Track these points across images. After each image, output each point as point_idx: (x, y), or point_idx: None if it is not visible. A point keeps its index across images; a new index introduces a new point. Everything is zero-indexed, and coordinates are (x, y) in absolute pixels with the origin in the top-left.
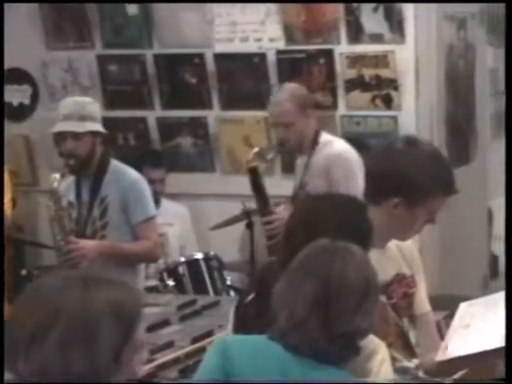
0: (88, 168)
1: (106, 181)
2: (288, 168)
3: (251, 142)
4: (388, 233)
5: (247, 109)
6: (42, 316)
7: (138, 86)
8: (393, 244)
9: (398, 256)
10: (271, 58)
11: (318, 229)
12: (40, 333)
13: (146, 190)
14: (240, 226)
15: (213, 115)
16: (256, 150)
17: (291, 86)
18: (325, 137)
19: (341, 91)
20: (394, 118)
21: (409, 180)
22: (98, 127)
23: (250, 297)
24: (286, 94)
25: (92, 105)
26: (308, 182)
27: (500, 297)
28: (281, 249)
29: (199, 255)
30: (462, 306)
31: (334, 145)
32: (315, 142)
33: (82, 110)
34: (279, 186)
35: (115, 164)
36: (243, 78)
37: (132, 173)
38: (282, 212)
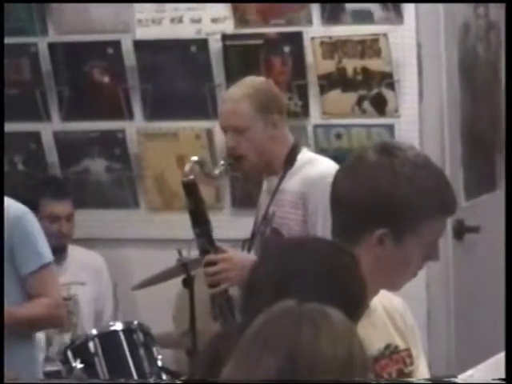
0: None
1: None
2: (241, 201)
3: None
4: (373, 283)
5: (182, 118)
6: None
7: (28, 88)
8: (379, 306)
9: (387, 322)
10: (215, 45)
11: (292, 287)
12: None
13: (36, 226)
14: (175, 284)
15: (134, 128)
16: (195, 158)
17: (252, 79)
18: (306, 154)
19: (314, 91)
20: (390, 128)
21: (393, 201)
22: None
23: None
24: (243, 88)
25: None
26: (275, 214)
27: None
28: (240, 310)
29: (118, 326)
30: (461, 379)
31: (318, 165)
32: (290, 160)
33: None
34: (228, 226)
35: None
36: (176, 75)
37: (16, 207)
38: (232, 252)
